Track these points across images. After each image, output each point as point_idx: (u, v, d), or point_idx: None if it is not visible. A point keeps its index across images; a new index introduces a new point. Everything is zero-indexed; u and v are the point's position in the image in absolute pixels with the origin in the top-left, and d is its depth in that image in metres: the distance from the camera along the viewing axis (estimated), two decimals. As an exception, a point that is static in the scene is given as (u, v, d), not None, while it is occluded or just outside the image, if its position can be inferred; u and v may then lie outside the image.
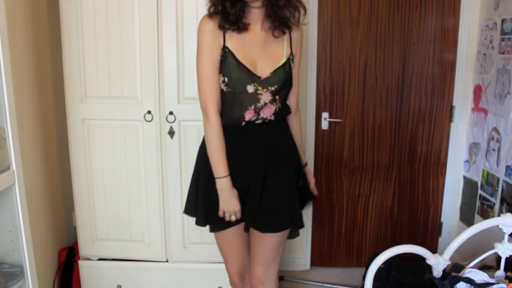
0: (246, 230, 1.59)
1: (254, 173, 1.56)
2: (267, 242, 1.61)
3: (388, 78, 2.64)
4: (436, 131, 2.71)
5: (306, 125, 2.64)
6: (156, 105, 2.10)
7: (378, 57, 2.61)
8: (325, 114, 2.66)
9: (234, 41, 1.48)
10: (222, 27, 1.46)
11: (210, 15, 1.48)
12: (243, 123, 1.53)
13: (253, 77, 1.49)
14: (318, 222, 2.82)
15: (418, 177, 2.77)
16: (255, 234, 1.62)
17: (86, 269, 2.28)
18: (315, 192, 1.82)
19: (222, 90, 1.51)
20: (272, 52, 1.53)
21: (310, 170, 1.86)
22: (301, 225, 1.62)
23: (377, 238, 2.86)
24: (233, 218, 1.55)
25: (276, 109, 1.56)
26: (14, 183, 1.42)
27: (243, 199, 1.56)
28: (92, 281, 2.28)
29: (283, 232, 1.61)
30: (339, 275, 2.79)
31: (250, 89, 1.49)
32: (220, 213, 1.54)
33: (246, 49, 1.49)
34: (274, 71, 1.51)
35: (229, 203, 1.52)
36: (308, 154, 2.69)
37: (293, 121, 1.72)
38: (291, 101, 1.67)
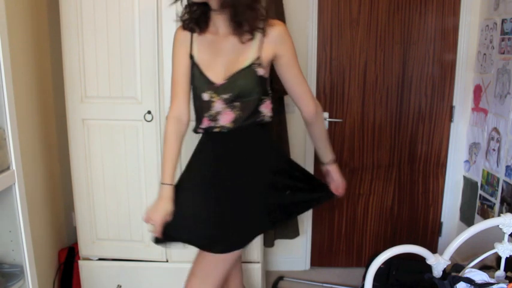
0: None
1: (210, 184, 1.52)
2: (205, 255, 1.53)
3: (388, 78, 2.64)
4: (436, 131, 2.71)
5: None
6: (156, 105, 2.10)
7: (378, 57, 2.61)
8: (325, 114, 2.66)
9: (200, 49, 1.47)
10: (189, 30, 1.48)
11: (182, 25, 1.49)
12: (201, 131, 1.51)
13: (208, 85, 1.45)
14: (318, 222, 2.82)
15: (418, 177, 2.77)
16: None
17: (86, 269, 2.28)
18: (338, 192, 1.71)
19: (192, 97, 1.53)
20: (237, 57, 1.43)
21: (335, 169, 1.71)
22: (221, 251, 1.47)
23: (377, 238, 2.86)
24: (150, 229, 1.48)
25: (235, 117, 1.45)
26: (14, 183, 1.42)
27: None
28: (92, 281, 2.28)
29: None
30: (339, 275, 2.79)
31: (206, 96, 1.45)
32: (146, 219, 1.47)
33: (210, 56, 1.46)
34: (229, 78, 1.43)
35: (155, 212, 1.46)
36: (308, 154, 2.70)
37: (313, 124, 1.61)
38: (302, 104, 1.57)
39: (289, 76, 1.52)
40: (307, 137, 2.67)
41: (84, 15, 2.02)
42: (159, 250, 2.25)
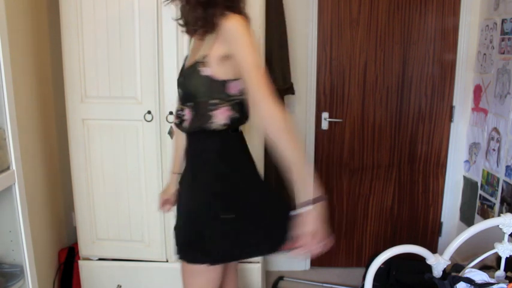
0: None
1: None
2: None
3: (388, 78, 2.64)
4: (436, 131, 2.71)
5: (306, 125, 2.64)
6: (156, 105, 2.10)
7: (378, 57, 2.61)
8: (325, 114, 2.66)
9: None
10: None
11: None
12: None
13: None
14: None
15: (418, 177, 2.77)
16: None
17: (86, 269, 2.28)
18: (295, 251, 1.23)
19: None
20: (193, 55, 1.38)
21: (306, 217, 1.20)
22: (188, 260, 1.39)
23: (377, 238, 2.86)
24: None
25: (191, 117, 1.36)
26: (14, 183, 1.42)
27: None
28: (92, 281, 2.28)
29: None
30: (339, 275, 2.79)
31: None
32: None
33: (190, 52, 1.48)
34: (180, 74, 1.45)
35: None
36: (308, 154, 2.69)
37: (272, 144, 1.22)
38: (252, 112, 1.35)
39: (244, 80, 1.26)
40: (307, 137, 2.67)
41: (84, 15, 2.02)
42: (159, 250, 2.25)
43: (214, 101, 1.32)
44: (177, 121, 1.43)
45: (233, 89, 1.34)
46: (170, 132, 2.12)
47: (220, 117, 1.33)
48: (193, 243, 1.38)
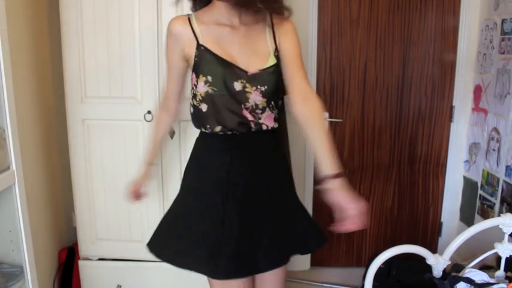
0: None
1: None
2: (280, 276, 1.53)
3: (388, 78, 2.64)
4: (436, 131, 2.71)
5: (306, 125, 2.64)
6: (156, 105, 2.10)
7: (378, 57, 2.61)
8: (325, 114, 2.66)
9: (207, 39, 1.36)
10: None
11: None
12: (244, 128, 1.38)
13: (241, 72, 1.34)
14: (318, 222, 2.81)
15: (418, 177, 2.77)
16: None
17: (86, 269, 2.28)
18: (347, 227, 1.32)
19: (206, 93, 1.34)
20: (255, 48, 1.37)
21: (341, 188, 1.38)
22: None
23: (377, 238, 2.85)
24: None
25: (274, 116, 1.41)
26: (14, 183, 1.42)
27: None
28: (92, 281, 2.28)
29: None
30: (339, 275, 2.79)
31: (238, 86, 1.33)
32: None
33: (221, 46, 1.36)
34: (263, 69, 1.36)
35: None
36: (308, 154, 2.69)
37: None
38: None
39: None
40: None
41: (84, 15, 2.02)
42: (159, 250, 2.25)
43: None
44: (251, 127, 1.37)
45: None
46: (170, 132, 2.12)
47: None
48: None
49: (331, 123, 2.68)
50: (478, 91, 2.56)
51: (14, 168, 1.42)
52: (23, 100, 2.02)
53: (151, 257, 2.26)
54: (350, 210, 1.28)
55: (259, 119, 1.36)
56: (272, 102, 1.38)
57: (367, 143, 2.72)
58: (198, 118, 1.41)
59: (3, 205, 1.44)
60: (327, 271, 2.84)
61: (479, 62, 2.54)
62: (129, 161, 2.16)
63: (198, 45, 1.35)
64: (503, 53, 2.28)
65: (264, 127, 1.38)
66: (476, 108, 2.57)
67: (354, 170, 2.75)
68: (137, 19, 2.02)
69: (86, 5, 2.01)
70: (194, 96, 1.38)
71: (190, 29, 1.37)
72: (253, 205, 1.39)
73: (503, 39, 2.29)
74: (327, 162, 1.34)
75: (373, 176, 2.76)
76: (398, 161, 2.74)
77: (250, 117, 1.35)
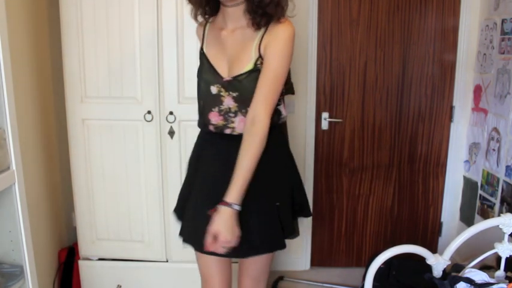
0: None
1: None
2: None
3: (388, 78, 2.64)
4: (436, 131, 2.71)
5: (306, 125, 2.64)
6: (156, 105, 2.10)
7: (378, 57, 2.61)
8: (325, 114, 2.66)
9: (208, 42, 1.48)
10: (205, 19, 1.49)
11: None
12: (212, 128, 1.46)
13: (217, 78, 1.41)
14: (318, 222, 2.82)
15: (418, 177, 2.77)
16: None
17: (86, 269, 2.28)
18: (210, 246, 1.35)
19: (198, 92, 1.51)
20: (239, 54, 1.39)
21: (222, 214, 1.31)
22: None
23: (377, 238, 2.86)
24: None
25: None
26: (14, 183, 1.42)
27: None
28: (92, 281, 2.28)
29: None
30: (339, 275, 2.79)
31: (214, 90, 1.41)
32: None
33: (217, 50, 1.44)
34: (235, 76, 1.39)
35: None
36: (308, 154, 2.70)
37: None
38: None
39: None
40: (307, 137, 2.67)
41: (84, 15, 2.02)
42: (159, 250, 2.25)
43: None
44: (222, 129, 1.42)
45: None
46: (170, 132, 2.12)
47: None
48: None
49: (331, 123, 2.68)
50: (478, 91, 2.56)
51: (14, 168, 1.42)
52: (23, 100, 2.02)
53: (151, 257, 2.27)
54: (210, 231, 1.31)
55: (232, 122, 1.40)
56: (245, 108, 1.37)
57: (367, 143, 2.72)
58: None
59: (3, 205, 1.44)
60: (327, 271, 2.84)
61: (479, 62, 2.54)
62: (129, 161, 2.16)
63: (201, 48, 1.49)
64: (503, 53, 2.28)
65: (238, 130, 1.40)
66: (476, 108, 2.57)
67: (354, 170, 2.75)
68: (137, 19, 2.02)
69: (86, 5, 2.01)
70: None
71: (203, 30, 1.51)
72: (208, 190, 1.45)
73: (503, 39, 2.29)
74: (229, 187, 1.31)
75: (373, 176, 2.76)
76: (398, 161, 2.74)
77: (220, 120, 1.41)
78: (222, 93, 1.40)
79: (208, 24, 1.49)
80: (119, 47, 2.05)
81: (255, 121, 1.32)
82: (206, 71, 1.44)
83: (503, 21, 2.28)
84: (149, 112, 2.10)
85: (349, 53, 2.60)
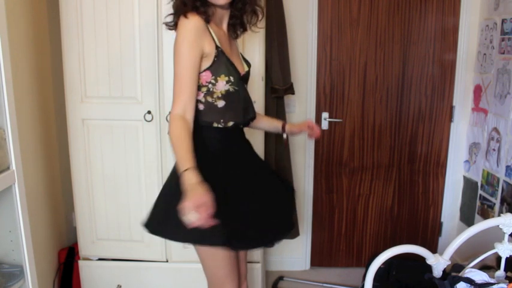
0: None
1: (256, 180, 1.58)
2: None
3: (388, 78, 2.64)
4: (436, 131, 2.71)
5: (306, 125, 2.65)
6: (156, 105, 2.10)
7: (378, 57, 2.61)
8: (325, 114, 2.66)
9: (221, 42, 1.47)
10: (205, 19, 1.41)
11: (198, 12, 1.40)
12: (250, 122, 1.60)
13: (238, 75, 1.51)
14: (318, 222, 2.82)
15: (418, 177, 2.77)
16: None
17: (86, 269, 2.28)
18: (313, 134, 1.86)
19: (227, 91, 1.43)
20: (237, 52, 1.60)
21: None
22: None
23: (377, 238, 2.86)
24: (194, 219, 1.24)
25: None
26: (14, 183, 1.42)
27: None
28: (92, 281, 2.28)
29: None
30: (339, 275, 2.79)
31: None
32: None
33: (226, 48, 1.49)
34: (247, 72, 1.58)
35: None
36: (308, 154, 2.70)
37: None
38: None
39: None
40: (307, 137, 2.66)
41: (84, 15, 2.02)
42: (159, 250, 2.25)
43: None
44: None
45: None
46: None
47: None
48: None
49: (331, 123, 2.68)
50: (478, 91, 2.56)
51: (14, 168, 1.42)
52: (23, 100, 2.02)
53: (151, 257, 2.27)
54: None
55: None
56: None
57: (367, 143, 2.72)
58: (211, 114, 1.45)
59: (3, 205, 1.44)
60: (327, 271, 2.84)
61: (479, 62, 2.54)
62: (129, 161, 2.16)
63: (217, 47, 1.41)
64: (503, 53, 2.28)
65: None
66: (476, 108, 2.57)
67: (354, 170, 2.75)
68: (137, 19, 2.02)
69: (86, 5, 2.01)
70: (210, 93, 1.43)
71: (207, 28, 1.41)
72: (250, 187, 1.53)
73: (503, 39, 2.29)
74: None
75: (373, 176, 2.76)
76: (398, 161, 2.75)
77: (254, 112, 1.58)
78: (246, 87, 1.56)
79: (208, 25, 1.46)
80: (119, 47, 2.05)
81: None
82: (231, 68, 1.45)
83: (503, 21, 2.28)
84: (149, 112, 2.10)
85: (349, 53, 2.60)
